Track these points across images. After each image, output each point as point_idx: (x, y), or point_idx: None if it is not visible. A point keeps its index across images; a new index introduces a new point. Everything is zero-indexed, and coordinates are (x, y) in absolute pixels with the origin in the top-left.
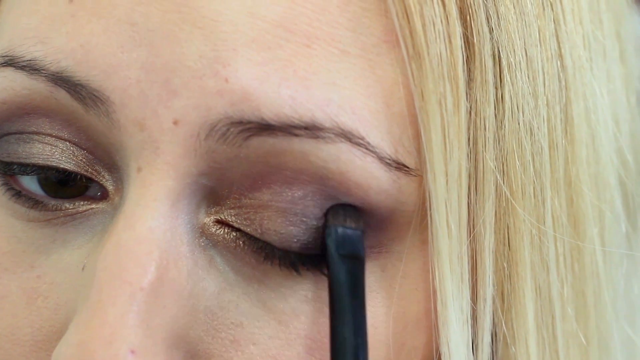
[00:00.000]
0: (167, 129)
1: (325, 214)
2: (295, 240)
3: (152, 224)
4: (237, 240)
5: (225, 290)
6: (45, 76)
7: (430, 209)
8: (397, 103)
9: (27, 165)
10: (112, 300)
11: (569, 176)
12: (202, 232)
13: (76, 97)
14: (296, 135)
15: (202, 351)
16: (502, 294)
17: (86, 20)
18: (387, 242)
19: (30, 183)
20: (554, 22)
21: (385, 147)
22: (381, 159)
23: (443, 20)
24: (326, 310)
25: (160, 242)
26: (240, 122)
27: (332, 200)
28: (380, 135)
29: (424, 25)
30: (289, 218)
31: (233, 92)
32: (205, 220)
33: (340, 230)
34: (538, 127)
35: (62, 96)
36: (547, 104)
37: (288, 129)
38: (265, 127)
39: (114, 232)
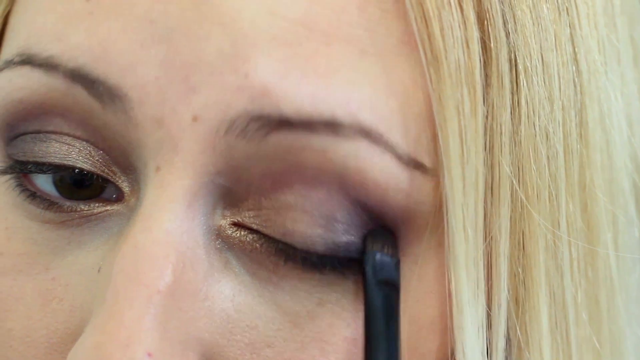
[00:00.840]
0: (186, 126)
1: (364, 240)
2: (319, 243)
3: (169, 226)
4: (255, 243)
5: (241, 292)
6: (63, 73)
7: (447, 213)
8: (416, 104)
9: (44, 164)
10: (129, 302)
11: (583, 181)
12: (219, 234)
13: (93, 94)
14: (316, 131)
15: (218, 354)
16: (517, 299)
17: (104, 17)
18: (403, 244)
19: (45, 184)
20: (570, 27)
21: (404, 146)
22: (399, 157)
23: (461, 25)
24: (343, 314)
25: (177, 245)
26: (260, 118)
27: (356, 205)
28: (399, 134)
29: (442, 29)
30: (315, 220)
31: (253, 87)
32: (221, 223)
33: (378, 256)
34: (554, 132)
35: (79, 93)
36: (563, 109)
37: (308, 125)
38: (285, 123)
39: (130, 234)
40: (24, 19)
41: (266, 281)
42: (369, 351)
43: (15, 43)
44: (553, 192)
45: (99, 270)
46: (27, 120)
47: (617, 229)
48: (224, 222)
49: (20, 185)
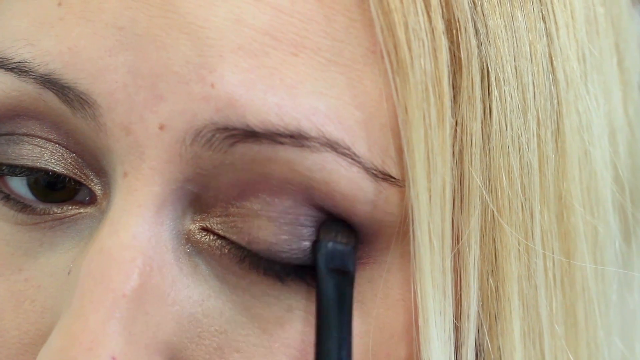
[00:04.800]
0: (153, 134)
1: (317, 229)
2: (285, 250)
3: (136, 231)
4: (223, 248)
5: (210, 297)
6: (34, 78)
7: (412, 224)
8: (383, 114)
9: (16, 166)
10: (94, 306)
11: (559, 192)
12: (188, 239)
13: (64, 99)
14: (281, 143)
15: (185, 358)
16: (488, 310)
17: (74, 23)
18: (374, 253)
19: (19, 187)
20: (547, 36)
21: (371, 157)
22: (367, 169)
23: (428, 34)
24: (311, 320)
25: (144, 249)
26: (225, 128)
27: (322, 211)
28: (366, 145)
29: (408, 39)
30: (280, 227)
31: (219, 98)
32: (190, 227)
33: (330, 245)
34: (527, 142)
35: (51, 98)
36: (538, 119)
37: (273, 137)
38: (250, 134)
39: (98, 238)
40: None
41: (235, 286)
42: (320, 339)
43: None
44: (526, 203)
45: (69, 273)
46: (0, 122)
47: (596, 240)
48: (194, 227)
49: None
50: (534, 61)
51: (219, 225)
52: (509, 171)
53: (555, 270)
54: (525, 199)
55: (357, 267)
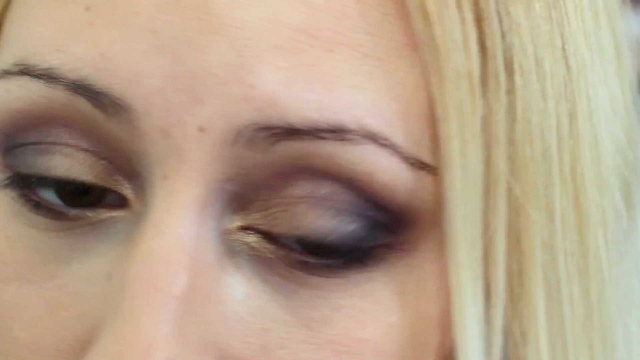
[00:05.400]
0: (192, 137)
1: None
2: (330, 231)
3: (181, 232)
4: (264, 247)
5: (253, 296)
6: (65, 84)
7: (447, 212)
8: (418, 105)
9: (47, 177)
10: (146, 309)
11: (575, 176)
12: (228, 239)
13: (97, 105)
14: (323, 138)
15: (231, 357)
16: (513, 294)
17: (106, 28)
18: (413, 240)
19: (47, 193)
20: (559, 23)
21: (409, 147)
22: (406, 159)
23: (461, 26)
24: (358, 316)
25: (190, 250)
26: (267, 128)
27: (362, 198)
28: (404, 136)
29: (443, 30)
30: (323, 211)
31: (259, 98)
32: (230, 226)
33: None
34: (548, 129)
35: (82, 104)
36: (556, 105)
37: (315, 133)
38: (292, 132)
39: (142, 240)
40: (20, 28)
41: (279, 285)
42: None
43: (11, 52)
44: (548, 188)
45: (108, 277)
46: (26, 131)
47: (607, 222)
48: (233, 226)
49: (23, 195)
50: (550, 48)
51: (260, 220)
52: (532, 157)
53: (573, 253)
54: (546, 184)
55: (399, 256)
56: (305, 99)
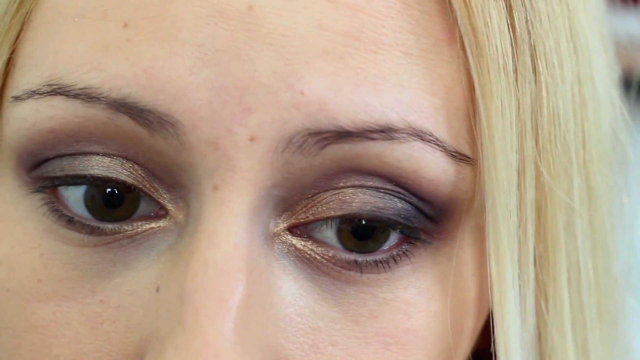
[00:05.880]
0: (243, 146)
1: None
2: (380, 207)
3: (237, 240)
4: (310, 248)
5: (301, 296)
6: (106, 103)
7: (489, 199)
8: (456, 99)
9: (84, 176)
10: (210, 319)
11: (585, 156)
12: (274, 242)
13: (141, 122)
14: (372, 139)
15: (285, 357)
16: (540, 274)
17: (146, 44)
18: (451, 229)
19: (77, 206)
20: (567, 7)
21: (451, 140)
22: (448, 152)
23: (497, 16)
24: (404, 308)
25: (246, 257)
26: (318, 132)
27: (407, 190)
28: (445, 129)
29: (485, 24)
30: (372, 193)
31: (309, 103)
32: (276, 230)
33: None
34: (566, 112)
35: (124, 122)
36: (571, 88)
37: (365, 134)
38: (342, 135)
39: (197, 251)
40: (45, 46)
41: (326, 284)
42: None
43: (38, 72)
44: (567, 169)
45: (157, 290)
46: (56, 149)
47: (610, 198)
48: (279, 229)
49: (56, 210)
50: (563, 31)
51: (307, 213)
52: (556, 140)
53: (587, 230)
54: (567, 165)
55: (436, 245)
56: (354, 101)
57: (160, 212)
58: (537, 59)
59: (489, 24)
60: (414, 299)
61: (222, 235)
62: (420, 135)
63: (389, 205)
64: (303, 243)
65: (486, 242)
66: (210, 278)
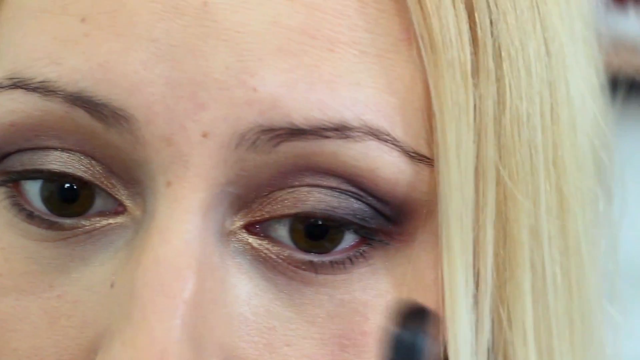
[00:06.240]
0: (196, 142)
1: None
2: (336, 208)
3: (188, 237)
4: (266, 247)
5: (257, 295)
6: (63, 97)
7: (442, 203)
8: (418, 98)
9: (42, 171)
10: (158, 316)
11: (556, 159)
12: (230, 240)
13: (97, 116)
14: (326, 137)
15: (239, 357)
16: (500, 281)
17: (102, 39)
18: (412, 231)
19: (35, 201)
20: (539, 9)
21: (409, 140)
22: (406, 152)
23: (455, 17)
24: (362, 310)
25: (197, 254)
26: (270, 129)
27: (363, 191)
28: (403, 129)
29: (440, 24)
30: (327, 192)
31: (262, 100)
32: (231, 228)
33: (406, 337)
34: (533, 115)
35: (80, 116)
36: (540, 91)
37: (318, 132)
38: (295, 132)
39: (149, 247)
40: (10, 41)
41: (283, 285)
42: None
43: (1, 66)
44: (535, 174)
45: (111, 285)
46: (17, 143)
47: (585, 205)
48: (234, 227)
49: (17, 204)
50: (533, 34)
51: (262, 212)
52: (520, 143)
53: (556, 237)
54: (532, 169)
55: (397, 247)
56: (308, 99)
57: (119, 209)
58: (501, 61)
59: (445, 24)
60: (372, 301)
61: (173, 231)
62: (376, 134)
63: (344, 205)
64: (259, 242)
65: (439, 245)
66: (160, 274)
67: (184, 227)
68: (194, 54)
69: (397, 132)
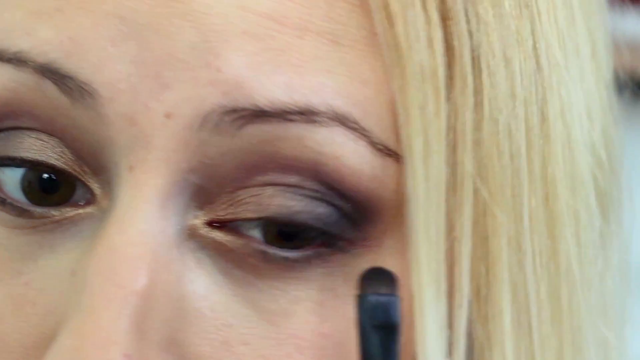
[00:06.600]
0: (159, 123)
1: (358, 280)
2: (299, 212)
3: (143, 227)
4: (227, 244)
5: (215, 292)
6: (33, 67)
7: (409, 211)
8: (389, 92)
9: (15, 158)
10: (105, 304)
11: (545, 176)
12: (191, 234)
13: (64, 89)
14: (291, 120)
15: (193, 353)
16: (479, 296)
17: (74, 13)
18: (377, 235)
19: (14, 191)
20: (530, 22)
21: (377, 132)
22: (374, 144)
23: (425, 25)
24: (319, 310)
25: (152, 245)
26: (234, 110)
27: (330, 188)
28: (373, 120)
29: (406, 31)
30: (291, 194)
31: (226, 81)
32: (194, 222)
33: (373, 299)
34: (516, 129)
35: (50, 89)
36: (525, 105)
37: (283, 115)
38: (259, 114)
39: (105, 236)
40: None
41: (240, 280)
42: None
43: None
44: (516, 189)
45: (73, 274)
46: None
47: (579, 223)
48: (197, 222)
49: None
50: (520, 47)
51: (227, 210)
52: (499, 158)
53: (542, 254)
54: (514, 185)
55: (360, 250)
56: (273, 81)
57: (91, 199)
58: (480, 73)
59: (412, 32)
60: (329, 303)
61: (129, 220)
62: (342, 120)
63: (308, 209)
64: (221, 236)
65: (407, 254)
66: (113, 263)
67: (141, 217)
68: (159, 33)
69: (367, 122)
